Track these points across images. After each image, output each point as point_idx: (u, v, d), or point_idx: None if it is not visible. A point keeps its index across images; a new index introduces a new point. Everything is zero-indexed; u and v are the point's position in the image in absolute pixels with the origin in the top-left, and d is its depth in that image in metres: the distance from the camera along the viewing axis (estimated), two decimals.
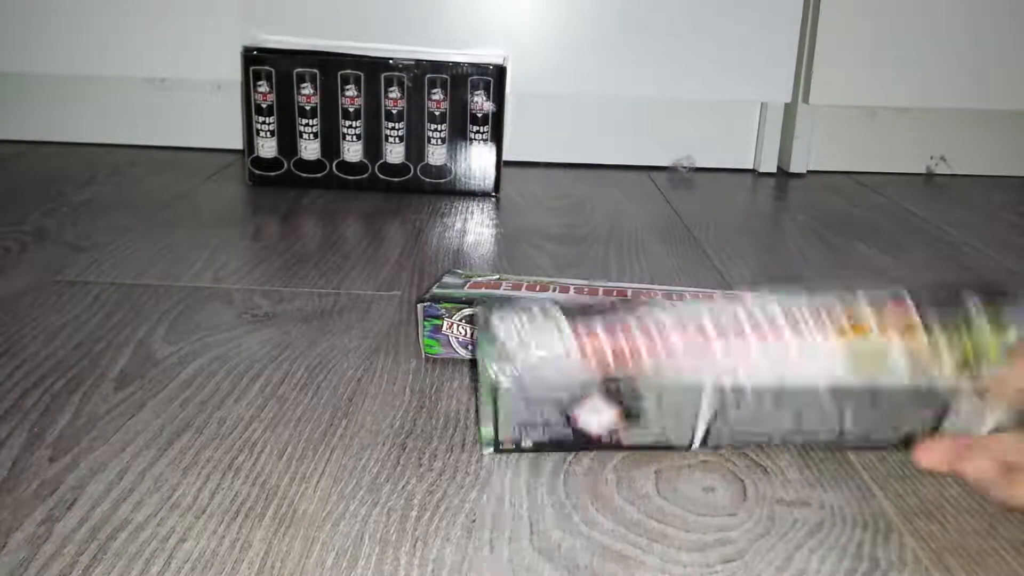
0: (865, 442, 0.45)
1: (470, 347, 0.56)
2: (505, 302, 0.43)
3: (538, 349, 0.42)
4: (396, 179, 1.03)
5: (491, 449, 0.45)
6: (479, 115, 1.01)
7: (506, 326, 0.42)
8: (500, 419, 0.44)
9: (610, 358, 0.42)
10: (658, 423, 0.44)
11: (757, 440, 0.45)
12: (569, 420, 0.43)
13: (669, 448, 0.45)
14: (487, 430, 0.45)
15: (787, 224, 0.96)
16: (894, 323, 0.42)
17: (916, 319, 0.42)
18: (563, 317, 0.43)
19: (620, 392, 0.42)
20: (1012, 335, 0.42)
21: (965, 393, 0.42)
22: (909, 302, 0.43)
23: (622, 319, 0.43)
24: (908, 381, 0.42)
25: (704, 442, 0.45)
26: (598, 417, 0.43)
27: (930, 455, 0.43)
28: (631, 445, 0.45)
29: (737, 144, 1.22)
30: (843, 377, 0.42)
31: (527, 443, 0.45)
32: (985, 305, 0.42)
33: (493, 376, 0.42)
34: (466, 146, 1.02)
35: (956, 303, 0.42)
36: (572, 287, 0.58)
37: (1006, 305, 0.43)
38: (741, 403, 0.43)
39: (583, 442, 0.45)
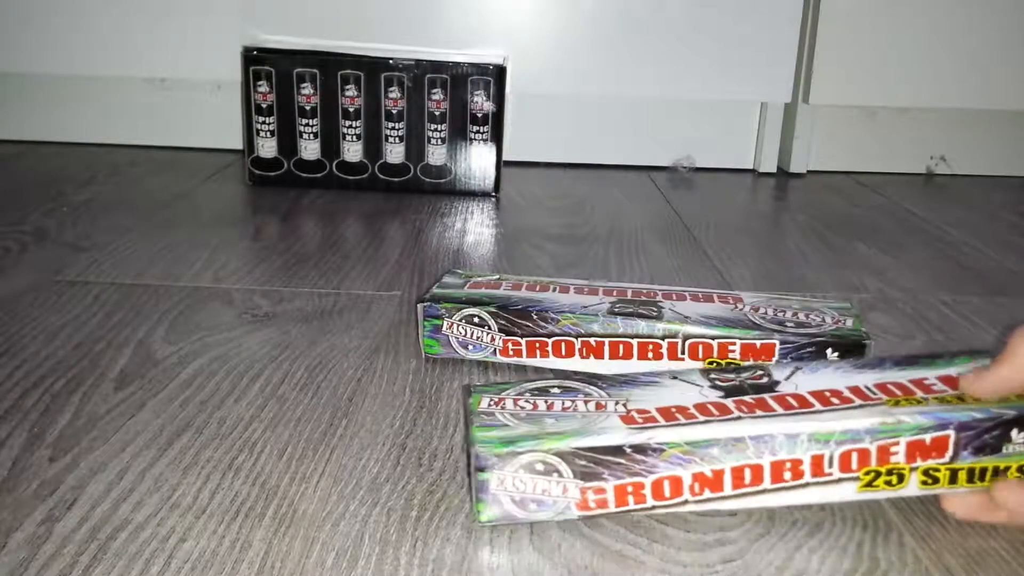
0: None
1: (470, 347, 0.56)
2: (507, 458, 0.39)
3: (535, 509, 0.39)
4: (396, 179, 1.03)
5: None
6: (479, 115, 1.01)
7: (505, 489, 0.39)
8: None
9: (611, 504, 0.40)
10: None
11: None
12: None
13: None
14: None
15: (787, 224, 0.96)
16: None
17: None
18: (566, 468, 0.39)
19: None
20: None
21: None
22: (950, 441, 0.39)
23: (634, 475, 0.39)
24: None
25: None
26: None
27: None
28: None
29: (737, 144, 1.22)
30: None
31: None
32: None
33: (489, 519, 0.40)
34: (466, 146, 1.02)
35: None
36: (572, 287, 0.58)
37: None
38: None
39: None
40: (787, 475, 0.39)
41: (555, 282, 0.59)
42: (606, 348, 0.54)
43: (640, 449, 0.38)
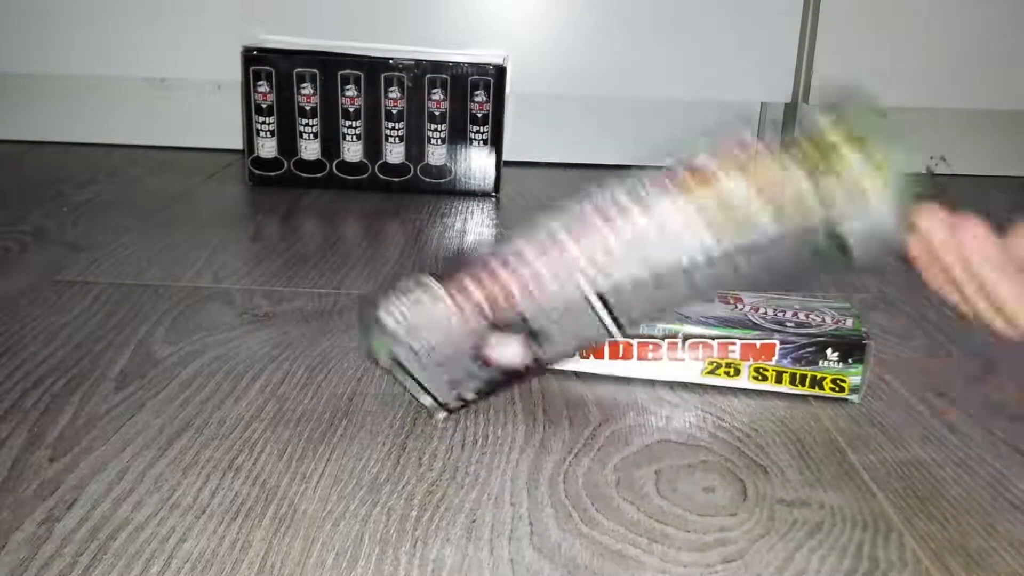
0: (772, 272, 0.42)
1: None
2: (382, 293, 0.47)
3: (424, 330, 0.45)
4: (396, 179, 1.03)
5: (442, 414, 0.49)
6: (479, 115, 1.01)
7: (391, 316, 0.45)
8: (431, 387, 0.47)
9: (487, 308, 0.44)
10: (566, 335, 0.45)
11: (666, 310, 0.45)
12: (487, 363, 0.46)
13: (595, 345, 0.46)
14: (427, 399, 0.48)
15: None
16: (736, 160, 0.40)
17: (755, 147, 0.40)
18: (436, 284, 0.45)
19: (514, 325, 0.44)
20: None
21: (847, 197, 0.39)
22: (747, 133, 0.41)
23: (484, 263, 0.44)
24: (777, 223, 0.40)
25: (618, 325, 0.44)
26: (509, 350, 0.45)
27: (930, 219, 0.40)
28: (558, 362, 0.47)
29: None
30: (711, 244, 0.41)
31: (468, 395, 0.48)
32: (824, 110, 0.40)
33: (398, 361, 0.46)
34: (466, 146, 1.02)
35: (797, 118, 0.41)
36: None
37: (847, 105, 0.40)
38: (626, 294, 0.43)
39: (515, 376, 0.46)
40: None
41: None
42: (606, 348, 0.54)
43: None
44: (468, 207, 0.98)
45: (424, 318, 0.45)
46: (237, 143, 1.16)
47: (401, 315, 0.45)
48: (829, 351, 0.52)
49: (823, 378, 0.52)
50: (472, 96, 1.01)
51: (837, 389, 0.53)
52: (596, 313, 0.44)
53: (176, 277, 0.71)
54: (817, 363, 0.52)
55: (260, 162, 1.03)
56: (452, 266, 0.46)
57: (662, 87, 1.14)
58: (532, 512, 0.41)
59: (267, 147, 1.02)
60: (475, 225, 0.91)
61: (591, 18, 1.12)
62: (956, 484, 0.45)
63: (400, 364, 0.46)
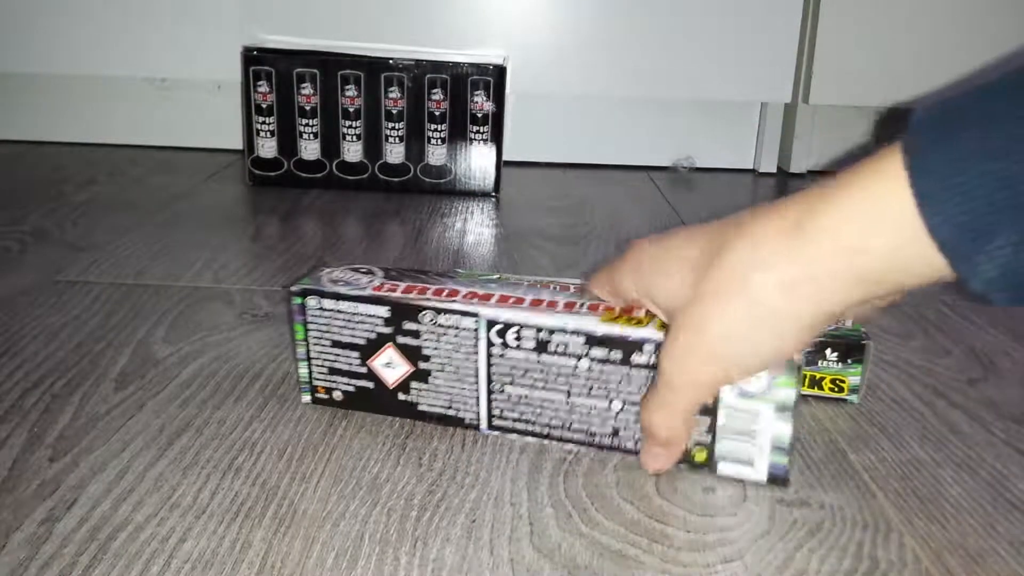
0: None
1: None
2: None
3: (340, 277, 0.50)
4: (396, 179, 1.03)
5: (308, 397, 0.51)
6: (479, 115, 1.01)
7: (323, 274, 0.51)
8: (311, 354, 0.49)
9: (399, 291, 0.48)
10: (445, 386, 0.48)
11: (538, 424, 0.47)
12: (369, 371, 0.48)
13: (460, 424, 0.48)
14: (303, 370, 0.50)
15: None
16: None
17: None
18: (378, 272, 0.51)
19: (408, 346, 0.47)
20: None
21: None
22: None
23: (423, 284, 0.49)
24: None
25: (490, 420, 0.47)
26: (392, 370, 0.48)
27: None
28: (426, 412, 0.48)
29: (737, 144, 1.22)
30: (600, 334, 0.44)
31: (337, 395, 0.50)
32: None
33: (301, 299, 0.49)
34: (466, 146, 1.02)
35: None
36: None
37: None
38: (517, 342, 0.45)
39: (386, 398, 0.49)
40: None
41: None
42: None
43: (440, 274, 0.51)
44: (468, 207, 0.98)
45: (345, 278, 0.50)
46: (237, 143, 1.16)
47: (330, 274, 0.51)
48: (828, 351, 0.52)
49: (822, 378, 0.52)
50: (472, 96, 1.01)
51: (836, 389, 0.53)
52: (475, 374, 0.47)
53: (176, 277, 0.71)
54: (816, 363, 0.52)
55: (260, 162, 1.03)
56: (400, 276, 0.50)
57: (662, 87, 1.14)
58: (532, 512, 0.41)
59: (267, 147, 1.02)
60: (475, 225, 0.91)
61: (591, 18, 1.12)
62: (956, 484, 0.45)
63: (305, 321, 0.49)
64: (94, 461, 0.44)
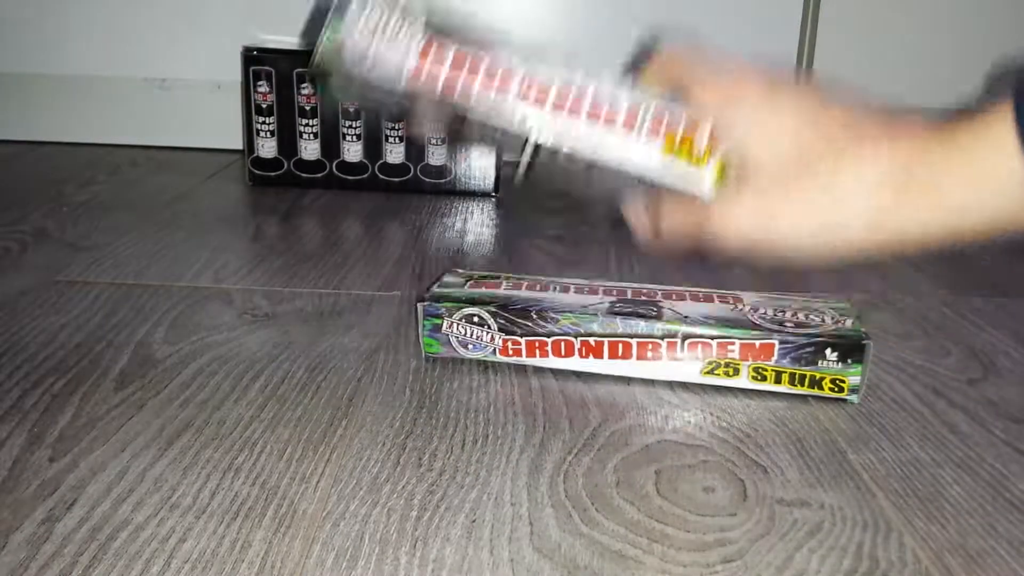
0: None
1: (470, 346, 0.56)
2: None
3: (379, 46, 0.42)
4: (396, 179, 1.03)
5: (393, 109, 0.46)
6: None
7: (365, 12, 0.42)
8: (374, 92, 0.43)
9: (439, 88, 0.43)
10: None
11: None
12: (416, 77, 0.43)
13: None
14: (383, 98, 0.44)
15: None
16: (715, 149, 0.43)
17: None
18: (421, 33, 0.43)
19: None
20: None
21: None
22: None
23: (477, 55, 0.43)
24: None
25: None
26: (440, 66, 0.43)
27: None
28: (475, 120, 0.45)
29: None
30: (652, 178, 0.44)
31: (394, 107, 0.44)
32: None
33: (329, 43, 0.42)
34: (466, 146, 1.02)
35: None
36: (572, 287, 0.58)
37: None
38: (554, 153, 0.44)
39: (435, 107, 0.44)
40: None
41: (555, 282, 0.59)
42: (605, 347, 0.54)
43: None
44: (468, 207, 0.98)
45: (386, 44, 0.42)
46: (237, 143, 1.16)
47: (373, 22, 0.42)
48: (828, 351, 0.52)
49: (822, 378, 0.52)
50: None
51: (836, 389, 0.53)
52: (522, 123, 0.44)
53: (176, 277, 0.71)
54: (816, 363, 0.52)
55: (260, 162, 1.03)
56: (451, 32, 0.44)
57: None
58: (532, 512, 0.41)
59: (267, 147, 1.02)
60: (475, 225, 0.91)
61: (591, 18, 1.12)
62: (956, 484, 0.45)
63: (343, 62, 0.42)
64: (94, 461, 0.44)
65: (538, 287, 0.58)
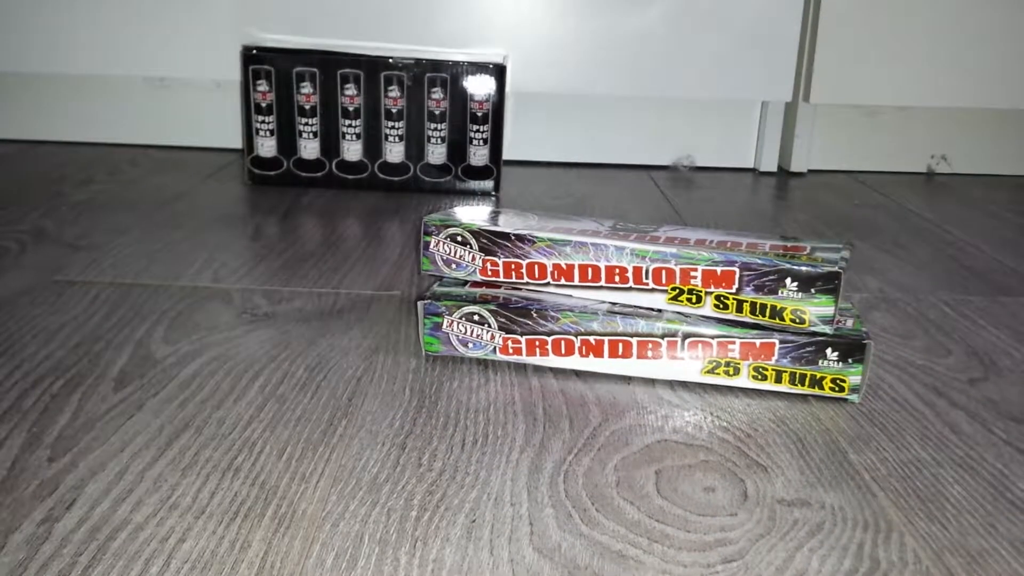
0: None
1: (470, 345, 0.56)
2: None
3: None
4: (396, 179, 1.03)
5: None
6: (479, 114, 1.01)
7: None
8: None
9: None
10: None
11: None
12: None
13: None
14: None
15: (788, 223, 0.96)
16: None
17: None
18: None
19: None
20: None
21: None
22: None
23: (516, 256, 0.55)
24: None
25: None
26: None
27: None
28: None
29: (738, 143, 1.22)
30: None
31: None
32: None
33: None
34: (466, 146, 1.02)
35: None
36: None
37: None
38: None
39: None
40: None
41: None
42: (605, 346, 0.54)
43: (520, 238, 0.55)
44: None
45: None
46: (236, 142, 1.16)
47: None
48: (829, 351, 0.52)
49: (823, 378, 0.52)
50: (472, 96, 1.01)
51: (837, 389, 0.53)
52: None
53: (176, 277, 0.71)
54: (817, 363, 0.52)
55: (260, 161, 1.03)
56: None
57: (662, 87, 1.14)
58: (532, 512, 0.41)
59: (267, 146, 1.02)
60: None
61: (591, 18, 1.12)
62: (956, 484, 0.44)
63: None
64: (93, 461, 0.44)
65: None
